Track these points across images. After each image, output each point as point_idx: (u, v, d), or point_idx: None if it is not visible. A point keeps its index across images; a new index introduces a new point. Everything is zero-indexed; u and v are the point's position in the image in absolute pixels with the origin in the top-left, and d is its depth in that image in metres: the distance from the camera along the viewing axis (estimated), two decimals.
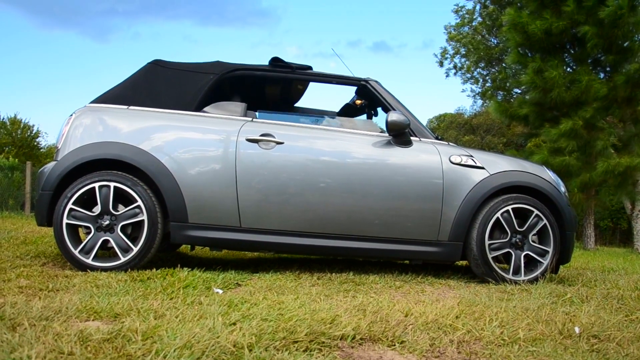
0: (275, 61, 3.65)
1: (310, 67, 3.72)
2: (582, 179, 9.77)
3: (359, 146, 3.43)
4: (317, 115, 4.65)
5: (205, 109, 3.42)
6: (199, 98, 3.43)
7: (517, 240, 3.41)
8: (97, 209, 3.12)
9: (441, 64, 23.16)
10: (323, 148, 3.40)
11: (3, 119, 24.89)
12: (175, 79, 3.54)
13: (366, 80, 3.71)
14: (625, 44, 10.00)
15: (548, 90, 9.90)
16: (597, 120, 9.95)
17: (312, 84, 4.18)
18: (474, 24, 21.24)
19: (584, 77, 9.58)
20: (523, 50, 10.90)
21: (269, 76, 3.71)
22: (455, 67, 22.86)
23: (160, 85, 3.51)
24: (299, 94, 4.42)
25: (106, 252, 3.30)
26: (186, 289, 2.60)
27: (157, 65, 3.60)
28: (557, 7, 10.01)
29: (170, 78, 3.54)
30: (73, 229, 3.14)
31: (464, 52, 22.18)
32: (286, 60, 3.65)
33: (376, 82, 3.74)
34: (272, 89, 4.26)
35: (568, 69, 10.66)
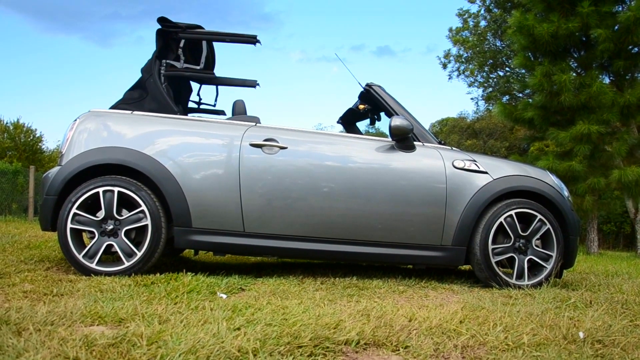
0: (163, 21, 3.63)
1: (200, 27, 3.71)
2: (591, 184, 9.68)
3: (362, 151, 3.43)
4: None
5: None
6: (170, 103, 3.45)
7: (521, 244, 3.40)
8: (101, 214, 3.13)
9: (444, 67, 23.19)
10: (326, 153, 3.40)
11: (6, 123, 24.95)
12: (140, 106, 3.50)
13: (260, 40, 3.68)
14: (635, 50, 9.95)
15: (555, 93, 9.82)
16: (609, 126, 9.88)
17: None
18: (481, 24, 21.13)
19: (593, 83, 9.52)
20: (529, 54, 10.84)
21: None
22: (458, 69, 22.87)
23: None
24: (212, 57, 4.24)
25: (110, 256, 3.31)
26: (190, 294, 2.60)
27: (115, 109, 3.52)
28: (564, 9, 9.95)
29: (136, 109, 3.49)
30: (77, 234, 3.15)
31: (467, 56, 22.16)
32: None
33: (379, 86, 3.75)
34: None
35: (574, 74, 10.62)
